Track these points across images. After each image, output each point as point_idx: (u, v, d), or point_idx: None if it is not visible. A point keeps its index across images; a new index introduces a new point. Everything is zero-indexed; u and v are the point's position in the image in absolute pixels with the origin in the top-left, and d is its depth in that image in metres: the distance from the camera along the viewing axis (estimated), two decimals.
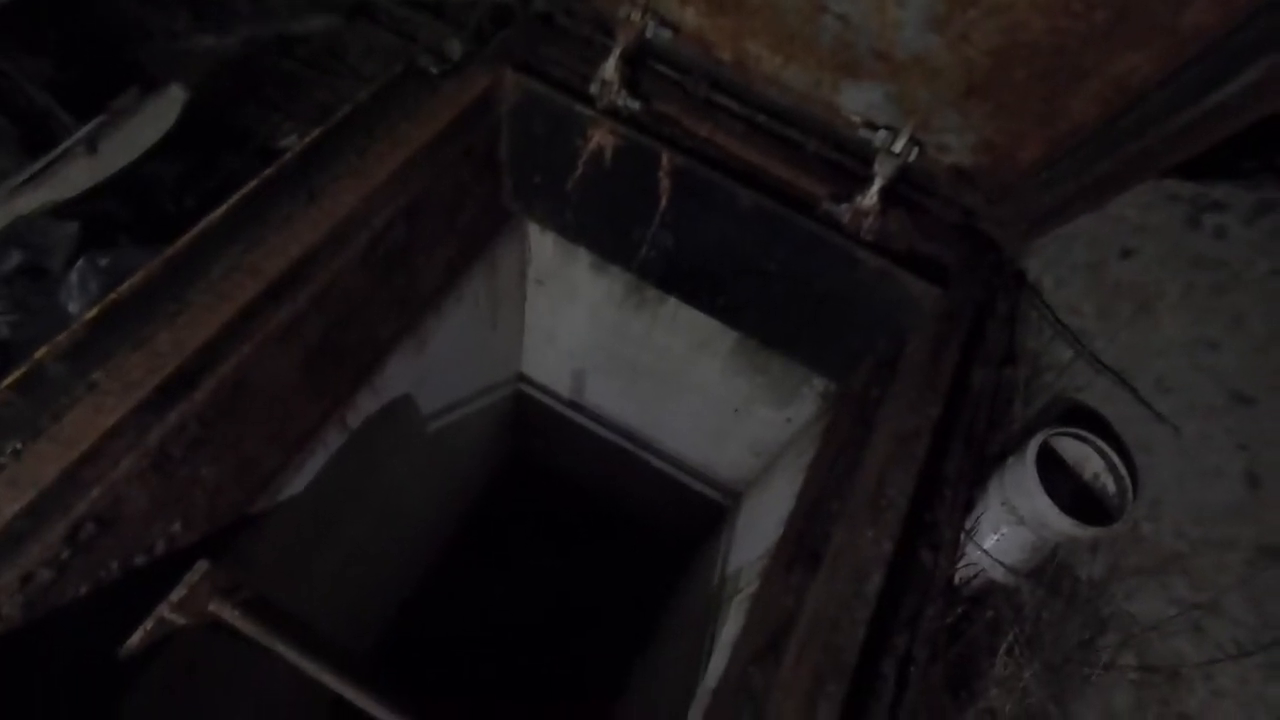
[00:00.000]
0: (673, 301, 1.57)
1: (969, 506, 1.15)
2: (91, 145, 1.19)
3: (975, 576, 1.10)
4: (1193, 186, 1.13)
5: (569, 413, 2.35)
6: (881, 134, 1.02)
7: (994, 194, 1.05)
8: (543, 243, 1.64)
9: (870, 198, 1.03)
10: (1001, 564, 1.08)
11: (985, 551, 1.08)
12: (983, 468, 1.18)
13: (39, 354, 0.79)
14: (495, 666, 2.32)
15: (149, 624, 0.86)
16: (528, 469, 2.79)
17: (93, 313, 0.82)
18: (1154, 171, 0.86)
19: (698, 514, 2.37)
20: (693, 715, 1.18)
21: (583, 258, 1.60)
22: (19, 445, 0.77)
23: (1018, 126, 0.92)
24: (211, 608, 0.90)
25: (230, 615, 0.91)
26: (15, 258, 1.13)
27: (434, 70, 1.22)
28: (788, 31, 0.97)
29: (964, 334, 1.09)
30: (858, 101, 1.03)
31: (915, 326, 1.13)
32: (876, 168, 1.02)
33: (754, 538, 1.66)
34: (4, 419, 0.77)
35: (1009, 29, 0.81)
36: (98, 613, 0.86)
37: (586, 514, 2.79)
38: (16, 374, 0.78)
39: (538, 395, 2.35)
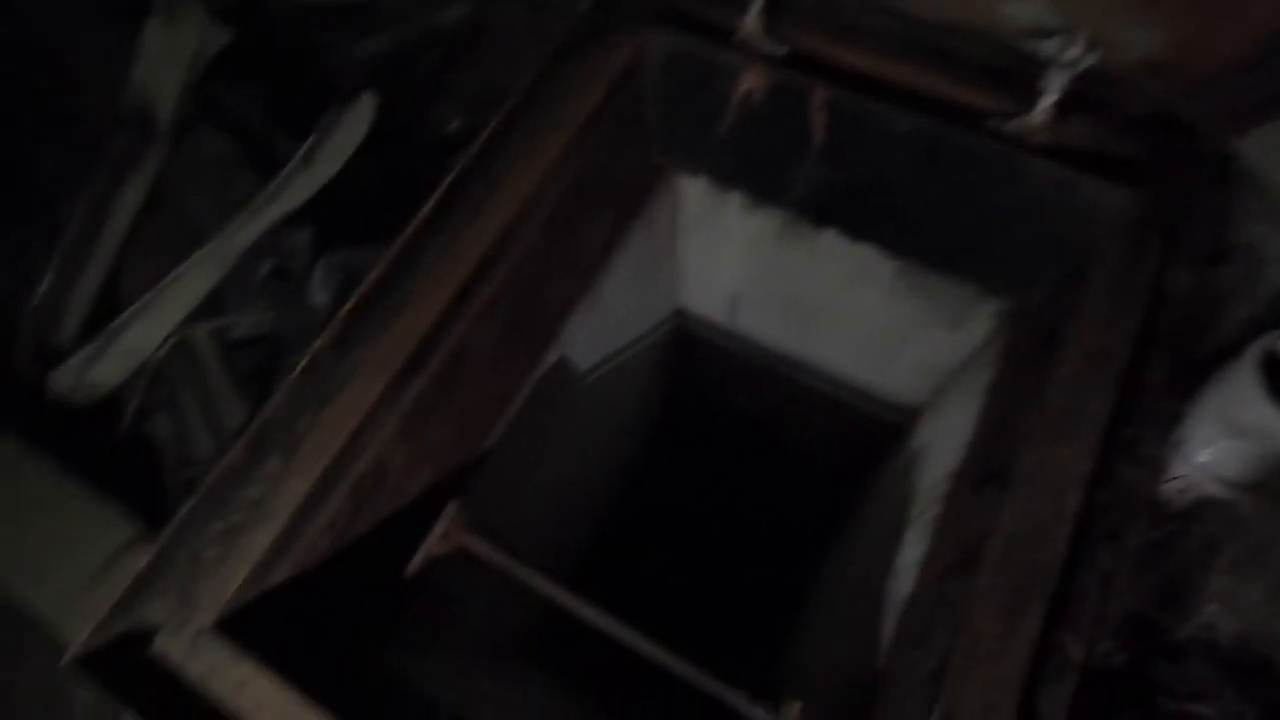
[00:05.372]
0: (828, 234, 1.56)
1: (1176, 418, 1.08)
2: (309, 159, 1.39)
3: (1184, 491, 1.05)
4: None
5: (728, 344, 2.40)
6: (1052, 41, 0.95)
7: (1190, 86, 0.94)
8: (693, 191, 1.68)
9: (1040, 113, 0.97)
10: (1219, 479, 1.02)
11: (1198, 466, 1.03)
12: (1191, 377, 1.11)
13: (316, 345, 0.98)
14: (679, 579, 2.50)
15: (420, 554, 1.05)
16: (692, 400, 2.89)
17: (348, 306, 0.99)
18: None
19: (868, 437, 2.36)
20: (886, 624, 1.25)
21: (733, 200, 1.62)
22: (312, 418, 0.97)
23: (1201, 30, 0.82)
24: (462, 540, 1.09)
25: (476, 545, 1.10)
26: (268, 265, 1.36)
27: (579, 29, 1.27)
28: None
29: (1162, 235, 1.01)
30: (1022, 13, 0.97)
31: (1103, 233, 1.06)
32: (1047, 81, 0.96)
33: (932, 461, 1.65)
34: (299, 399, 0.97)
35: None
36: (377, 549, 1.07)
37: (754, 440, 2.86)
38: (302, 363, 0.97)
39: (696, 329, 2.42)
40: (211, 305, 1.38)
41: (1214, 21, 0.82)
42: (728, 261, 1.92)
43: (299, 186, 1.41)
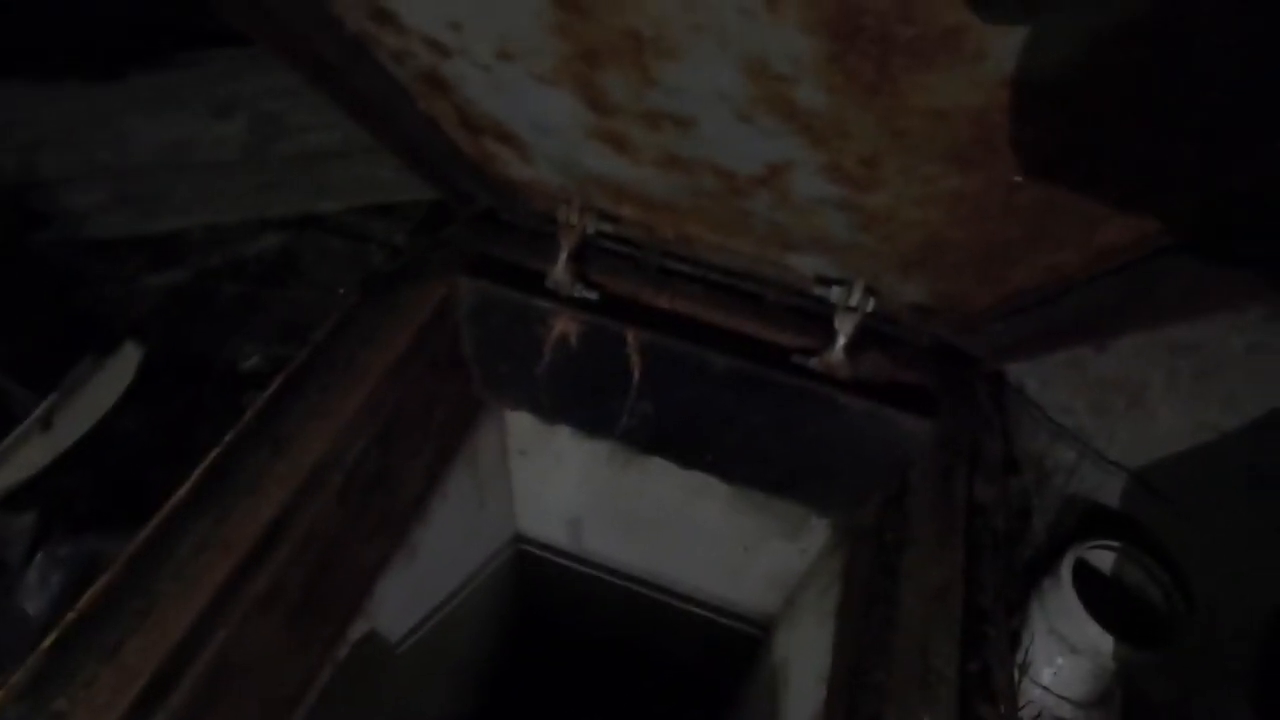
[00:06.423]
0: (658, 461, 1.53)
1: (1015, 637, 1.08)
2: (46, 423, 1.16)
3: (1039, 717, 1.02)
4: None
5: (572, 565, 2.26)
6: (836, 290, 1.03)
7: (960, 327, 1.05)
8: (520, 420, 1.62)
9: (837, 352, 1.04)
10: (1065, 700, 1.00)
11: (1045, 689, 1.01)
12: (1016, 588, 1.13)
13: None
14: None
15: None
16: (538, 629, 2.65)
17: (51, 638, 0.76)
18: (1114, 334, 0.88)
19: (725, 649, 2.24)
20: None
21: (562, 430, 1.57)
22: None
23: (963, 286, 0.94)
24: None
25: None
26: None
27: (387, 269, 1.22)
28: (723, 221, 1.00)
29: (966, 460, 1.07)
30: (806, 265, 1.05)
31: (913, 458, 1.10)
32: (837, 323, 1.03)
33: (794, 686, 1.55)
34: None
35: (931, 235, 0.83)
36: None
37: (609, 662, 2.63)
38: None
39: (537, 552, 2.27)
40: None
41: (972, 282, 0.92)
42: (565, 485, 1.83)
43: (31, 455, 1.16)
